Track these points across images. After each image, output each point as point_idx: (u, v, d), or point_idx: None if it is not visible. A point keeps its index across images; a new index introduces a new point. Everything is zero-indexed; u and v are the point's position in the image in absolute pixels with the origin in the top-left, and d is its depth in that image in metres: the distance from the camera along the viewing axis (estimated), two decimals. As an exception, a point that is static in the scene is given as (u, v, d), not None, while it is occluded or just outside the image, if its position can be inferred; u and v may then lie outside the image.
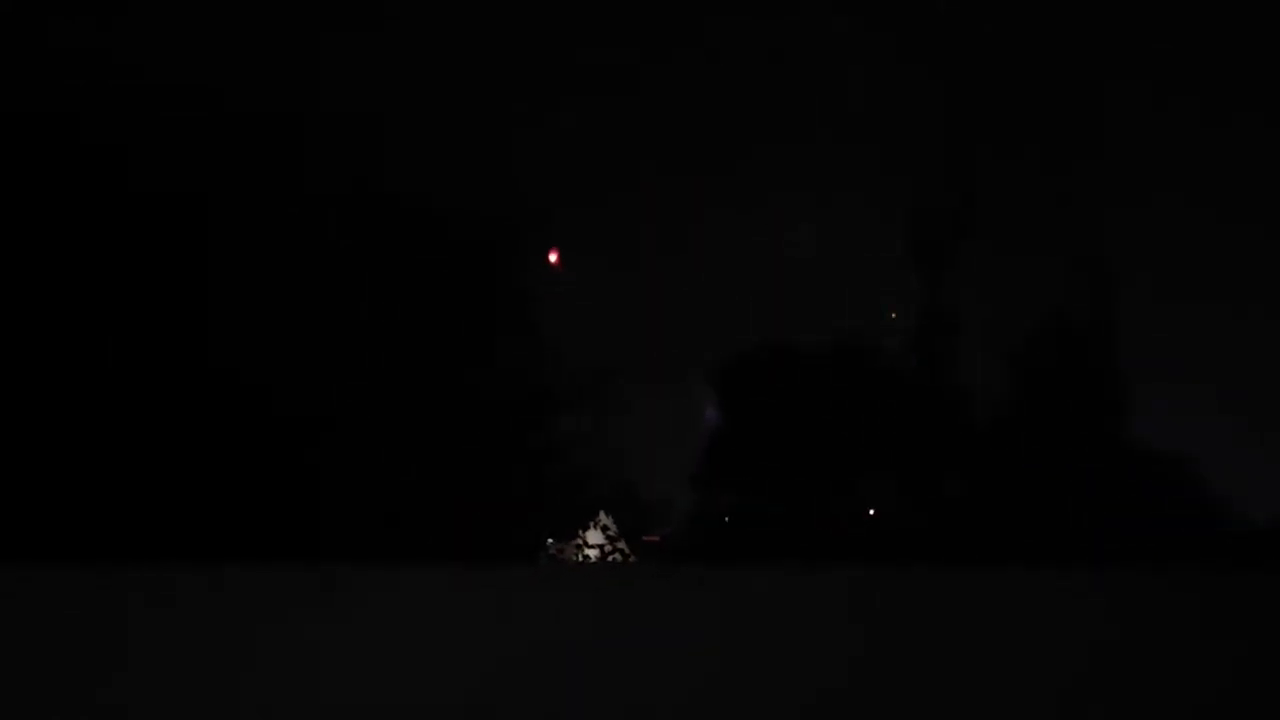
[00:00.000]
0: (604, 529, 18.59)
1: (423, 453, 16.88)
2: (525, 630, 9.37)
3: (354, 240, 17.37)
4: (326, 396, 16.91)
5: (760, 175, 19.91)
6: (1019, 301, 18.25)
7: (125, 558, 14.27)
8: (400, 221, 17.61)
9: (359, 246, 17.38)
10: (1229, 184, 17.14)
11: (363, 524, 16.37)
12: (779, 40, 18.97)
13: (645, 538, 19.00)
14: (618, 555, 18.58)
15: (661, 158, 19.40)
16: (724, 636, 9.41)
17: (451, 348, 17.51)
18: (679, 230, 19.19)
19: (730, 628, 10.27)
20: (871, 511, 18.71)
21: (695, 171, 19.49)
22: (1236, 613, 11.59)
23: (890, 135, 18.81)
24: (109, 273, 15.86)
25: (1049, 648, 9.77)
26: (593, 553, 18.48)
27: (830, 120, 19.09)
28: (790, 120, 19.21)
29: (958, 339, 18.63)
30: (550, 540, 18.42)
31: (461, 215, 17.96)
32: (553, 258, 18.92)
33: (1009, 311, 18.27)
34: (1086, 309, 18.03)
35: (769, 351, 19.09)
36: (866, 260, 19.34)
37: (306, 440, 16.92)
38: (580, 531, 18.52)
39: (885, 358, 18.68)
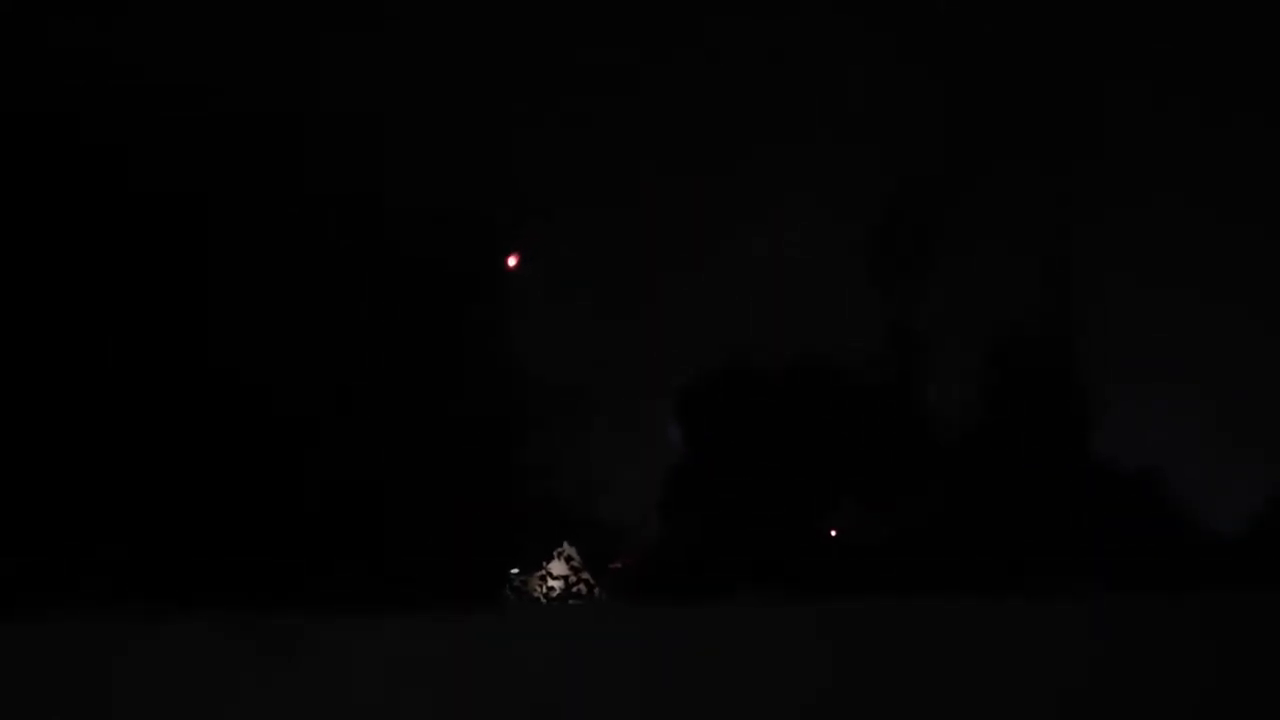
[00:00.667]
0: (568, 559, 17.94)
1: (385, 480, 16.19)
2: (500, 677, 8.96)
3: (298, 255, 16.78)
4: (282, 422, 16.21)
5: (726, 194, 19.76)
6: (998, 318, 18.11)
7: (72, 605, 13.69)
8: (367, 234, 17.12)
9: (302, 262, 16.78)
10: (1216, 190, 17.18)
11: (320, 562, 15.57)
12: (734, 56, 18.87)
13: (611, 565, 18.39)
14: (582, 586, 17.92)
15: (626, 177, 19.15)
16: (706, 675, 9.08)
17: (415, 369, 16.95)
18: (646, 250, 18.92)
19: (709, 663, 9.93)
20: (840, 533, 18.37)
21: (656, 191, 19.26)
22: (1227, 633, 11.42)
23: (862, 150, 18.69)
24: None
25: (1033, 675, 9.48)
26: (557, 584, 17.80)
27: (801, 135, 18.99)
28: (763, 134, 19.06)
29: (934, 357, 18.40)
30: (515, 571, 17.73)
31: (414, 224, 17.50)
32: (511, 261, 18.46)
33: (988, 328, 18.12)
34: (1067, 323, 17.91)
35: (738, 371, 18.73)
36: (838, 278, 19.08)
37: (254, 473, 16.13)
38: (544, 562, 17.84)
39: (860, 376, 18.36)
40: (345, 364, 16.70)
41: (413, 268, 17.50)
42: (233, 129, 15.46)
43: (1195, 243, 17.64)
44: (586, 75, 18.03)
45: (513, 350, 18.16)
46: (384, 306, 17.22)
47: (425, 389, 17.08)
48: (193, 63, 15.21)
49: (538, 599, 17.58)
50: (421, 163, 17.66)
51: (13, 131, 14.89)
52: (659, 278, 19.48)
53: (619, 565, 18.73)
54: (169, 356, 15.95)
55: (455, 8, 17.12)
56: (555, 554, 18.13)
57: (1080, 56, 18.05)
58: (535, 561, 17.88)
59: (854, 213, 19.07)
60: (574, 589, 18.07)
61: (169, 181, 15.51)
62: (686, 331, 19.88)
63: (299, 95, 15.76)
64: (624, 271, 19.23)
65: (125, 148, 15.12)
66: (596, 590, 18.12)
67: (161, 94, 15.05)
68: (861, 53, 18.51)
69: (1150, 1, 17.94)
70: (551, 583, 17.93)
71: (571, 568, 18.08)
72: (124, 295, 15.91)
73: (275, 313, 16.43)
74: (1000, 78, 18.22)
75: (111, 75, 14.90)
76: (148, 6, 15.20)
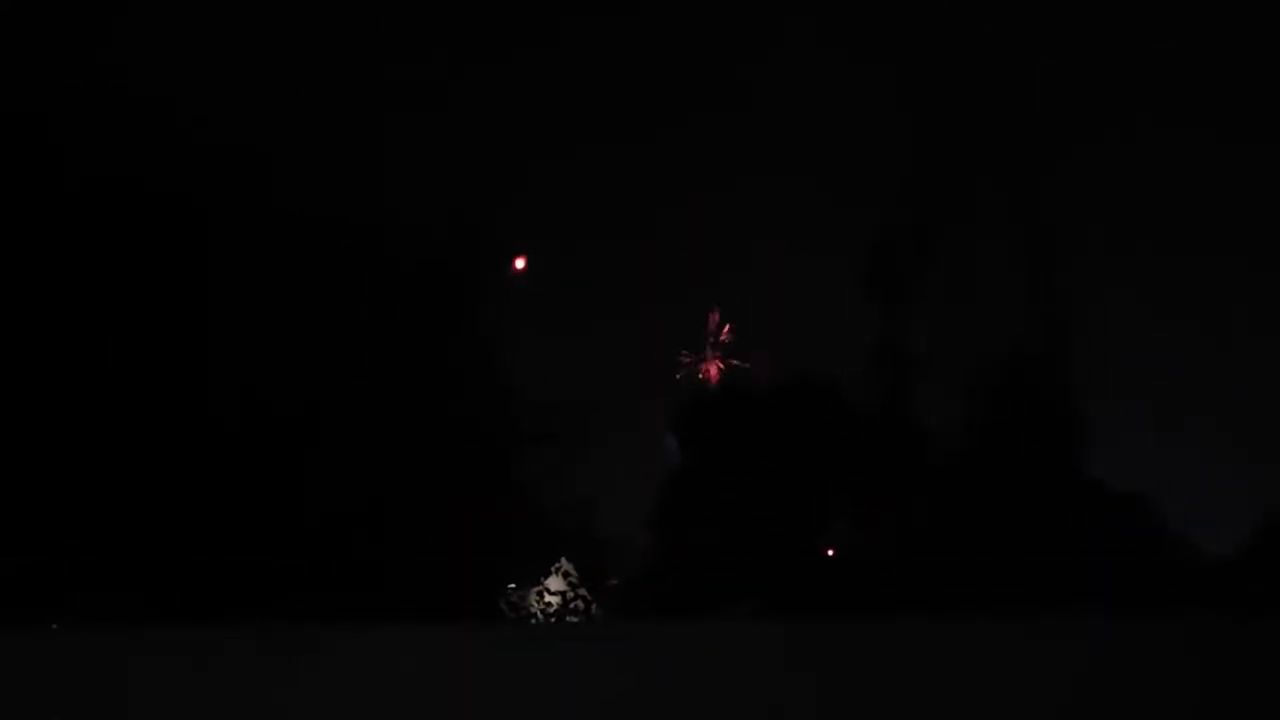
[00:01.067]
0: (565, 575, 17.96)
1: (383, 495, 16.23)
2: (494, 693, 8.93)
3: (297, 269, 16.85)
4: (270, 437, 16.22)
5: (716, 208, 19.91)
6: (984, 336, 18.22)
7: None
8: (346, 251, 17.14)
9: (302, 276, 16.84)
10: (1209, 214, 17.35)
11: (318, 574, 15.59)
12: (741, 67, 19.01)
13: (608, 582, 18.44)
14: (579, 602, 17.95)
15: (625, 196, 19.34)
16: (700, 693, 9.06)
17: (409, 386, 16.96)
18: (644, 268, 19.11)
19: (703, 680, 9.89)
20: (834, 551, 18.48)
21: (650, 204, 19.40)
22: (1217, 654, 11.38)
23: (850, 165, 18.85)
24: None
25: (1024, 695, 9.50)
26: (554, 600, 17.81)
27: (791, 150, 19.15)
28: (752, 150, 19.23)
29: (929, 375, 18.52)
30: (513, 585, 17.76)
31: (412, 239, 17.57)
32: (519, 264, 18.70)
33: (974, 347, 18.23)
34: (1060, 343, 18.04)
35: (731, 388, 18.88)
36: (827, 294, 19.27)
37: (247, 488, 16.13)
38: (541, 578, 17.87)
39: (854, 394, 18.50)
40: (343, 381, 16.74)
41: (411, 284, 17.57)
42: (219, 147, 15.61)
43: (1188, 266, 17.83)
44: (593, 88, 18.19)
45: (510, 366, 18.25)
46: (382, 325, 17.29)
47: (423, 406, 17.13)
48: (193, 86, 15.56)
49: (534, 614, 17.66)
50: (417, 181, 17.77)
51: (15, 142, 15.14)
52: (656, 295, 19.60)
53: (615, 581, 18.79)
54: (171, 373, 16.00)
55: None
56: (553, 569, 18.24)
57: (1070, 82, 18.26)
58: (533, 577, 17.97)
59: (850, 232, 19.24)
60: (571, 605, 18.10)
61: (154, 210, 15.64)
62: (682, 348, 19.99)
63: (288, 114, 15.92)
64: (621, 288, 19.36)
65: (127, 165, 15.42)
66: (593, 606, 18.18)
67: (162, 114, 15.39)
68: (860, 79, 18.72)
69: (1137, 23, 18.12)
70: (549, 598, 17.99)
71: (569, 584, 18.12)
72: (128, 312, 15.98)
73: (279, 331, 16.49)
74: (994, 100, 18.40)
75: (113, 93, 15.24)
76: (159, 37, 15.61)
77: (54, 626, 14.66)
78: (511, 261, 18.90)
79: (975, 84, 18.43)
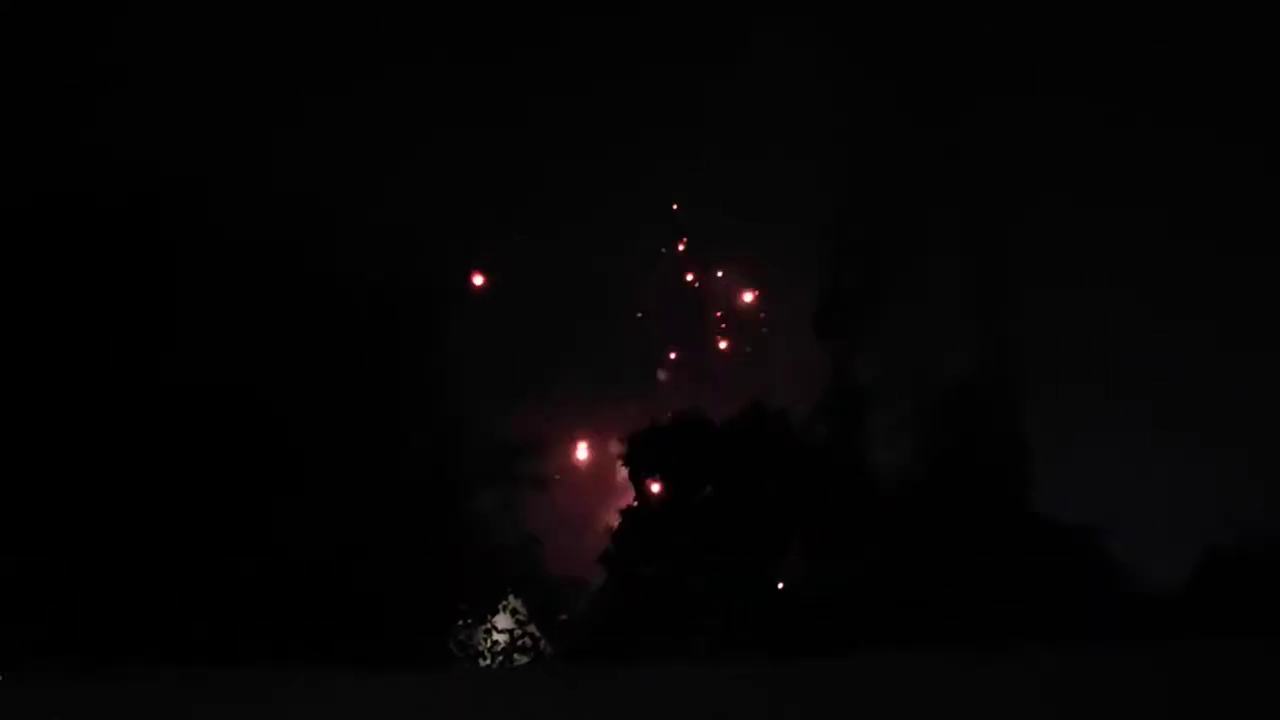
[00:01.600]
0: (513, 612, 17.66)
1: (328, 537, 15.91)
2: None
3: (247, 313, 16.61)
4: (213, 479, 15.87)
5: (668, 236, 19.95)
6: (937, 368, 18.26)
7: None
8: (297, 293, 16.94)
9: (251, 319, 16.60)
10: (1162, 248, 17.51)
11: (262, 620, 15.17)
12: (690, 100, 19.14)
13: (559, 618, 18.14)
14: (527, 640, 17.63)
15: (574, 231, 19.34)
16: None
17: (358, 428, 16.69)
18: (591, 302, 19.07)
19: None
20: (786, 585, 18.33)
21: (600, 234, 19.40)
22: (1165, 684, 11.46)
23: (797, 202, 18.91)
24: None
25: None
26: (501, 638, 17.50)
27: (738, 185, 19.23)
28: (699, 184, 19.31)
29: (878, 407, 18.50)
30: (460, 623, 17.42)
31: (360, 283, 17.40)
32: (477, 280, 18.57)
33: (927, 379, 18.27)
34: (1001, 376, 18.08)
35: (682, 424, 18.71)
36: (785, 332, 19.28)
37: (189, 531, 15.75)
38: (488, 616, 17.55)
39: (805, 430, 18.43)
40: (289, 424, 16.48)
41: (357, 325, 17.37)
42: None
43: (1145, 290, 18.03)
44: (544, 108, 18.18)
45: (457, 404, 18.03)
46: (328, 354, 17.07)
47: (372, 444, 16.86)
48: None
49: (483, 653, 17.31)
50: (366, 231, 17.72)
51: None
52: (604, 328, 19.49)
53: (565, 618, 18.45)
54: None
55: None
56: (500, 607, 17.89)
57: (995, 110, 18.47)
58: (479, 615, 17.61)
59: (802, 268, 19.28)
60: (519, 642, 17.76)
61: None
62: (635, 382, 19.88)
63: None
64: (568, 320, 19.24)
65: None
66: (542, 643, 17.80)
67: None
68: (809, 105, 18.81)
69: (1090, 35, 18.30)
70: (496, 636, 17.63)
71: (516, 621, 17.81)
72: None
73: (225, 362, 16.30)
74: (937, 134, 18.55)
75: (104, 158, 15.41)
76: (160, 37, 15.86)
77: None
78: (469, 279, 18.73)
79: (925, 108, 18.56)
